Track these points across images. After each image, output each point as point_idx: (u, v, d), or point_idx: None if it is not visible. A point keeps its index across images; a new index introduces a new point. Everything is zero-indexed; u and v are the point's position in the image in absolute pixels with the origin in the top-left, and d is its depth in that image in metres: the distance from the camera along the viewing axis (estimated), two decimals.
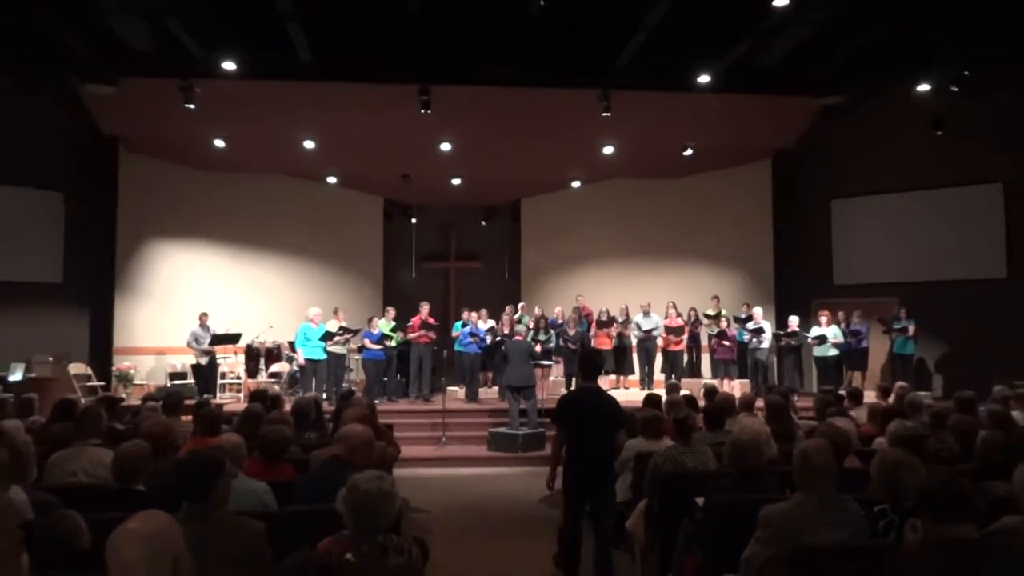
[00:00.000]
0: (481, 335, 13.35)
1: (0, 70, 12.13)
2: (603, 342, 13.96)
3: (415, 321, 13.36)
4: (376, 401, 11.05)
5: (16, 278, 13.28)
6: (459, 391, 13.69)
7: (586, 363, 5.77)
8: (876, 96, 14.11)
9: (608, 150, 14.54)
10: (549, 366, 13.18)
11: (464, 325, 13.56)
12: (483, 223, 17.66)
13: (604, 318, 14.00)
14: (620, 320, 14.06)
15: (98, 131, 13.79)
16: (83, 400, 10.12)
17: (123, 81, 12.48)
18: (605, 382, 13.26)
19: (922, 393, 8.88)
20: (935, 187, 14.13)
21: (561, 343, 13.48)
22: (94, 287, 14.08)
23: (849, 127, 14.76)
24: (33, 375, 12.24)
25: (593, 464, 5.43)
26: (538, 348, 12.59)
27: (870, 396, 9.31)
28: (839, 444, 4.60)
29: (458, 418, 12.18)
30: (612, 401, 5.62)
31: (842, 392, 9.25)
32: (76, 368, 13.16)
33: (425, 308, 13.50)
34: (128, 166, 14.43)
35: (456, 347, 13.51)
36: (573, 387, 13.06)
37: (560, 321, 14.08)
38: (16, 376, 12.14)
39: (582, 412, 5.49)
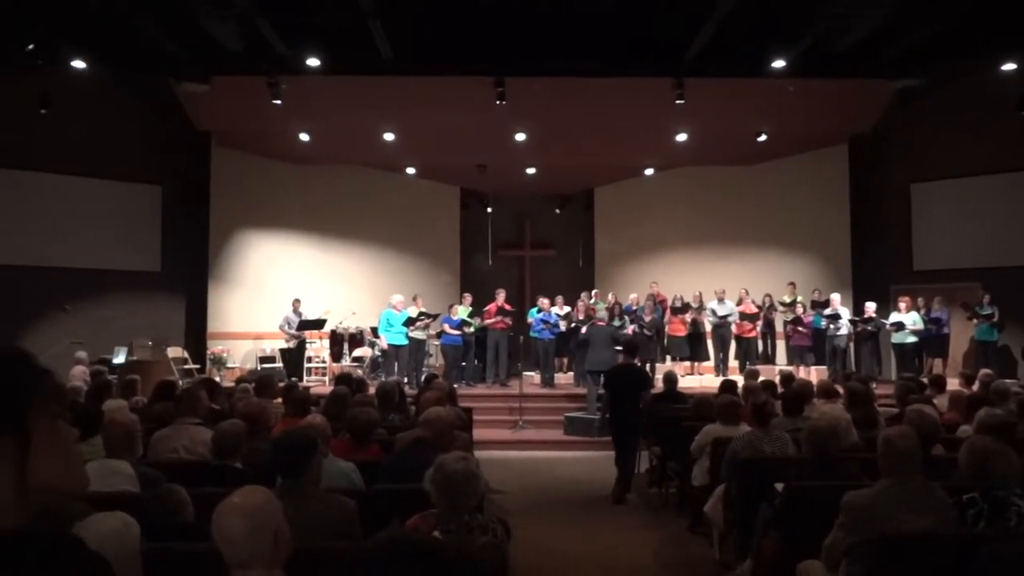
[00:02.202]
0: (553, 321, 13.32)
1: (103, 73, 12.58)
2: (677, 328, 13.79)
3: (491, 307, 13.42)
4: (455, 385, 11.16)
5: (119, 267, 13.85)
6: (535, 376, 13.71)
7: (628, 347, 9.10)
8: (955, 77, 13.52)
9: (681, 137, 14.30)
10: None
11: (538, 312, 13.59)
12: (557, 211, 17.60)
13: (678, 304, 13.82)
14: (694, 306, 13.86)
15: (192, 127, 14.22)
16: (181, 382, 10.50)
17: (215, 79, 12.83)
18: (680, 368, 13.11)
19: (1008, 381, 8.50)
20: (1019, 169, 13.48)
21: (636, 329, 13.36)
22: (189, 275, 14.57)
23: (928, 109, 14.18)
24: (134, 358, 12.75)
25: (626, 413, 8.15)
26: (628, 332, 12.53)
27: (952, 384, 8.96)
28: (925, 431, 4.43)
29: (534, 403, 12.20)
30: (641, 372, 8.71)
31: (923, 379, 8.94)
32: (173, 352, 13.67)
33: (501, 295, 13.55)
34: (220, 160, 14.86)
35: (531, 333, 13.54)
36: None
37: (635, 308, 13.96)
38: (119, 359, 12.67)
39: (621, 379, 8.33)
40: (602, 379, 9.00)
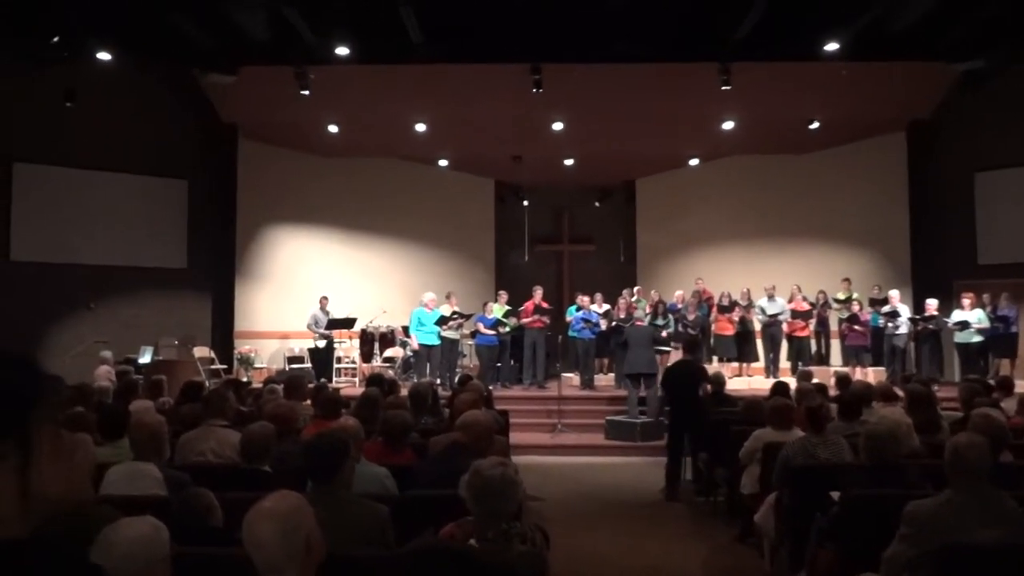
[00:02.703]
0: (594, 320, 13.29)
1: (128, 64, 12.78)
2: (724, 327, 13.67)
3: (528, 306, 13.42)
4: (490, 387, 11.17)
5: (144, 263, 14.08)
6: (574, 377, 13.69)
7: (689, 344, 9.85)
8: (1022, 59, 13.20)
9: (728, 125, 14.17)
10: (668, 352, 13.02)
11: (578, 310, 13.56)
12: (597, 204, 17.55)
13: (725, 302, 13.70)
14: (743, 304, 13.73)
15: (218, 120, 14.41)
16: (208, 383, 10.65)
17: (241, 70, 12.99)
18: (728, 369, 13.01)
19: None
20: None
21: (680, 328, 13.27)
22: (216, 272, 14.77)
23: (992, 94, 13.86)
24: (160, 358, 12.98)
25: (684, 408, 8.49)
26: (664, 335, 12.46)
27: (1021, 386, 8.76)
28: (994, 436, 4.33)
29: (573, 405, 12.18)
30: (698, 366, 8.96)
31: (989, 381, 8.75)
32: (200, 351, 13.87)
33: (538, 292, 13.54)
34: (246, 153, 15.03)
35: (570, 332, 13.51)
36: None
37: (679, 306, 13.88)
38: (145, 359, 12.89)
39: (678, 376, 8.79)
40: (663, 379, 9.45)
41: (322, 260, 15.87)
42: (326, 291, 14.30)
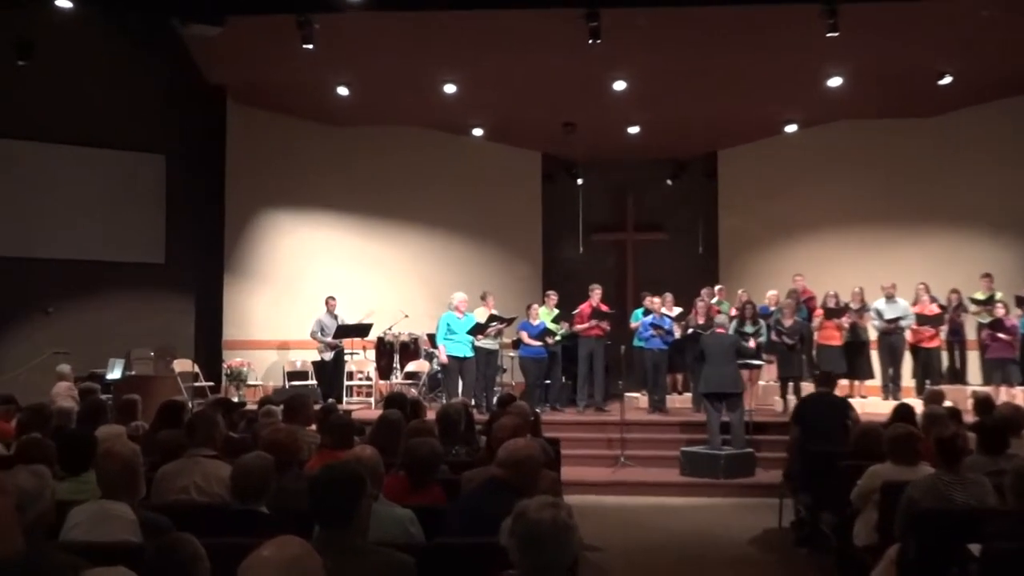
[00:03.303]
0: (667, 327, 13.22)
1: (93, 13, 12.93)
2: (831, 336, 13.47)
3: (584, 309, 13.39)
4: (537, 410, 11.16)
5: (113, 258, 14.26)
6: (640, 398, 13.65)
7: (823, 379, 9.41)
8: None
9: (834, 82, 14.00)
10: (759, 367, 12.91)
11: (645, 314, 13.47)
12: (669, 183, 17.47)
13: (832, 304, 13.52)
14: (854, 307, 13.54)
15: (203, 81, 14.58)
16: (191, 404, 10.78)
17: (230, 20, 13.09)
18: (835, 389, 12.83)
19: None
20: None
21: (774, 337, 13.13)
22: (200, 268, 14.95)
23: None
24: (133, 373, 13.14)
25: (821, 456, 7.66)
26: (751, 344, 12.32)
27: None
28: None
29: (640, 432, 12.15)
30: (840, 401, 8.80)
31: None
32: (181, 365, 14.04)
33: (597, 292, 13.51)
34: (238, 121, 15.22)
35: (636, 342, 13.46)
36: (790, 393, 12.89)
37: (772, 308, 13.77)
38: (115, 374, 13.09)
39: (814, 408, 8.71)
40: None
41: (330, 253, 16.02)
42: (334, 291, 14.42)
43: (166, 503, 5.03)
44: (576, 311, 13.52)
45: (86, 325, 13.92)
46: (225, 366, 14.81)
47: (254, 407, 9.32)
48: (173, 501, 5.10)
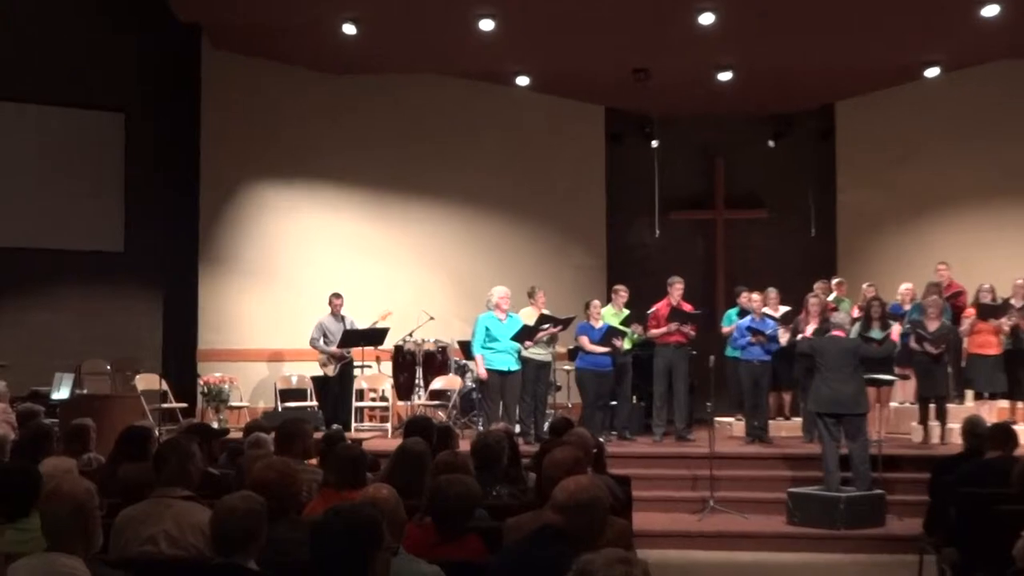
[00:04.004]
0: (769, 331, 13.11)
1: None
2: (985, 343, 13.29)
3: (661, 308, 13.33)
4: (600, 438, 11.12)
5: (59, 245, 14.40)
6: (735, 424, 13.62)
7: None
8: None
9: (989, 11, 13.83)
10: (890, 382, 12.80)
11: (741, 315, 13.41)
12: (771, 144, 17.31)
13: (987, 301, 13.38)
14: (1016, 305, 13.39)
15: (174, 20, 14.65)
16: (159, 430, 10.85)
17: None
18: (990, 410, 12.68)
19: None
20: None
21: (913, 344, 13.00)
22: (169, 258, 15.07)
23: None
24: (85, 391, 13.27)
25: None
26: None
27: None
28: None
29: (734, 468, 12.08)
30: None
31: None
32: (146, 381, 14.14)
33: (678, 287, 13.42)
34: (216, 71, 15.36)
35: (728, 351, 13.43)
36: (932, 419, 12.68)
37: (906, 307, 13.67)
38: (62, 393, 13.21)
39: None
40: None
41: (334, 238, 16.08)
42: (340, 287, 14.45)
43: (128, 556, 5.05)
44: (651, 311, 13.46)
45: (25, 331, 14.07)
46: (201, 382, 14.89)
47: (239, 435, 9.38)
48: (137, 553, 5.12)
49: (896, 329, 12.50)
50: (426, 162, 16.35)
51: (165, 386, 14.25)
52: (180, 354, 14.97)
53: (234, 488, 5.25)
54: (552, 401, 14.16)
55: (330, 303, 14.11)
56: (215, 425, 12.23)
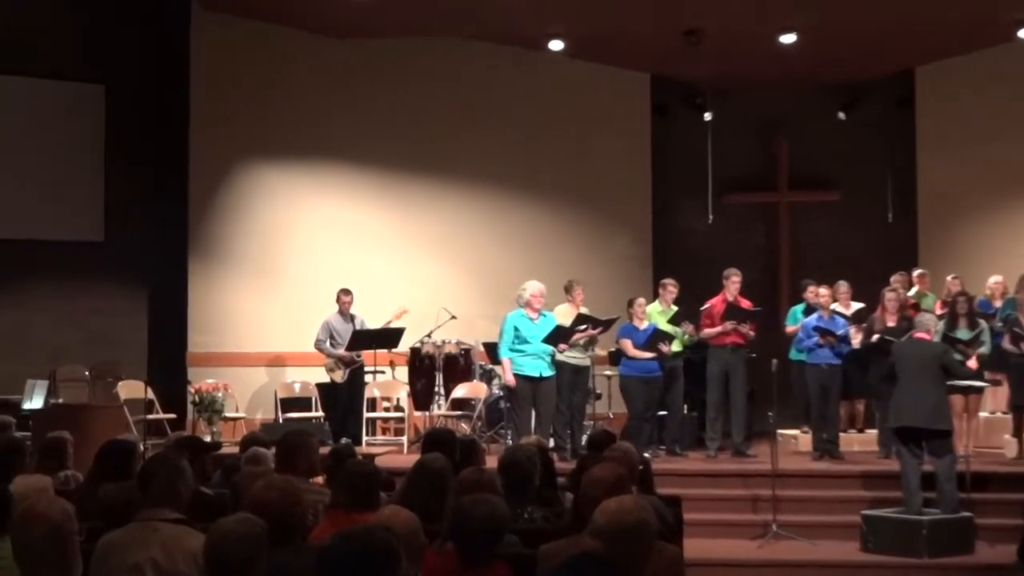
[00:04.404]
0: (840, 331, 13.08)
1: None
2: None
3: (716, 305, 13.31)
4: (647, 454, 11.12)
5: (31, 235, 14.47)
6: (801, 437, 13.60)
7: None
8: None
9: None
10: (980, 390, 12.74)
11: (808, 312, 13.38)
12: (841, 116, 17.25)
13: None
14: None
15: None
16: (144, 444, 10.89)
17: None
18: None
19: None
20: None
21: (1006, 345, 12.94)
22: (155, 249, 15.11)
23: None
24: (60, 401, 13.34)
25: None
26: (971, 363, 12.15)
27: None
28: None
29: (801, 488, 12.04)
30: None
31: None
32: (129, 389, 14.20)
33: (735, 280, 13.40)
34: (207, 34, 15.41)
35: (792, 354, 13.45)
36: None
37: (996, 304, 13.63)
38: (35, 402, 13.29)
39: None
40: None
41: (341, 226, 16.10)
42: (349, 282, 14.47)
43: None
44: (704, 308, 13.45)
45: None
46: (192, 390, 14.84)
47: (235, 450, 9.42)
48: None
49: (973, 362, 12.40)
50: (447, 139, 16.37)
51: (151, 394, 14.27)
52: (168, 358, 15.01)
53: (230, 510, 5.27)
54: (591, 411, 14.17)
55: (338, 300, 14.13)
56: (208, 438, 12.26)
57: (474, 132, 16.44)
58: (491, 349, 14.15)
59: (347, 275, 14.83)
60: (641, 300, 13.61)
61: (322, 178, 16.24)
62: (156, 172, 15.02)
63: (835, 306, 13.45)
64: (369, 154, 16.27)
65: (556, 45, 16.48)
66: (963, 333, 12.71)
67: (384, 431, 15.12)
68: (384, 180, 16.38)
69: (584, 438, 11.94)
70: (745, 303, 13.39)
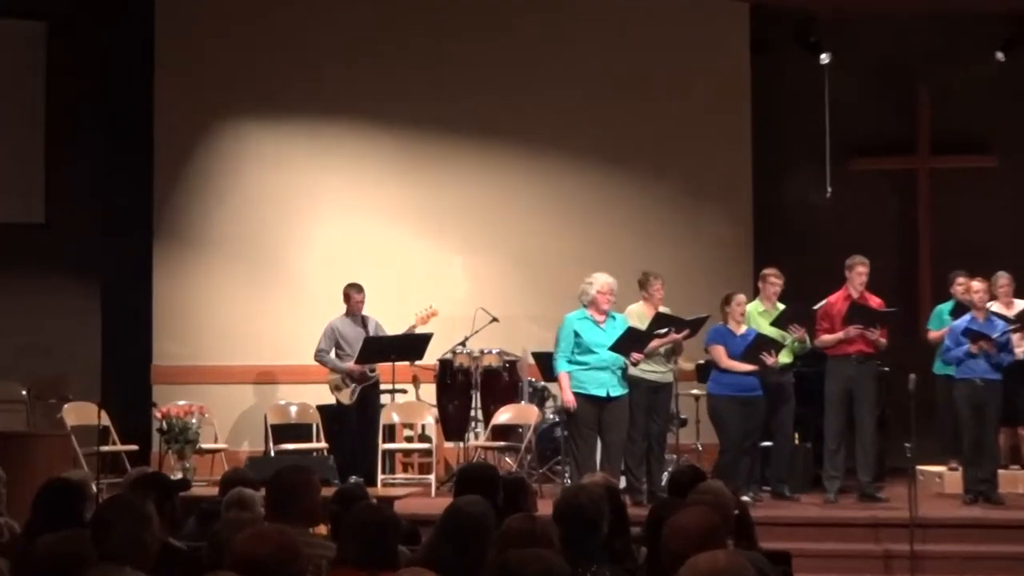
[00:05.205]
0: (999, 336, 13.04)
1: None
2: None
3: (835, 303, 13.32)
4: (745, 497, 11.13)
5: None
6: (948, 475, 13.57)
7: None
8: None
9: None
10: None
11: (957, 312, 13.38)
12: (999, 57, 17.20)
13: None
14: None
15: None
16: (97, 483, 10.98)
17: None
18: None
19: None
20: None
21: None
22: (110, 232, 15.22)
23: None
24: None
25: None
26: None
27: None
28: None
29: (948, 540, 12.03)
30: None
31: None
32: (78, 412, 14.31)
33: (861, 271, 13.38)
34: None
35: (937, 366, 13.50)
36: None
37: None
38: None
39: None
40: None
41: (347, 203, 16.17)
42: (360, 276, 14.54)
43: None
44: (820, 307, 13.46)
45: None
46: (158, 415, 14.95)
47: (213, 491, 9.48)
48: None
49: None
50: (482, 91, 16.39)
51: (105, 420, 14.34)
52: (127, 373, 15.11)
53: (208, 567, 5.30)
54: (673, 441, 14.16)
55: (346, 299, 14.17)
56: (178, 475, 12.35)
57: (520, 81, 16.43)
58: (544, 361, 14.19)
59: (357, 266, 14.88)
60: (740, 297, 13.57)
61: (321, 143, 16.29)
62: (111, 134, 15.10)
63: (992, 305, 13.40)
64: (381, 111, 16.30)
65: None
66: None
67: (405, 467, 15.16)
68: (401, 144, 16.39)
69: (664, 476, 11.96)
70: (874, 301, 13.37)
